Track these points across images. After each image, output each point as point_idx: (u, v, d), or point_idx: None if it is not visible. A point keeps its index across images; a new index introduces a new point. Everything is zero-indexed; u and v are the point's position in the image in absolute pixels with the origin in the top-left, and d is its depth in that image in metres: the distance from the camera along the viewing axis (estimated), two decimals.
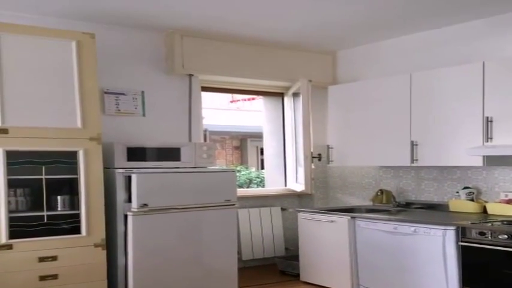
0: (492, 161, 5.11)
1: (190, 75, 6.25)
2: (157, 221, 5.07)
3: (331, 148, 6.56)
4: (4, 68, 4.58)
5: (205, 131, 6.65)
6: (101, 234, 4.92)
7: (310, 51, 6.97)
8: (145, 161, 5.36)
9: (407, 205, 6.14)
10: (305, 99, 6.60)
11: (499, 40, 5.41)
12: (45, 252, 4.69)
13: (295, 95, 7.15)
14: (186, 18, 5.57)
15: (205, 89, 6.64)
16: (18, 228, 4.61)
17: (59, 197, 4.88)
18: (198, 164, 5.60)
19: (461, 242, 4.72)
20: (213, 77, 6.51)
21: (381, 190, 6.35)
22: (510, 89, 4.89)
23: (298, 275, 6.28)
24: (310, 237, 6.10)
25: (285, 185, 7.42)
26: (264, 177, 8.78)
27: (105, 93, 5.74)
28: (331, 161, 6.59)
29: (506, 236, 4.43)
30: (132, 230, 4.96)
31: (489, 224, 4.71)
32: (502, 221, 4.78)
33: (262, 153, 8.81)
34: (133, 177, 4.97)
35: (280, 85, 7.20)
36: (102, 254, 4.94)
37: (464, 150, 5.06)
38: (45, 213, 4.74)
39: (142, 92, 5.99)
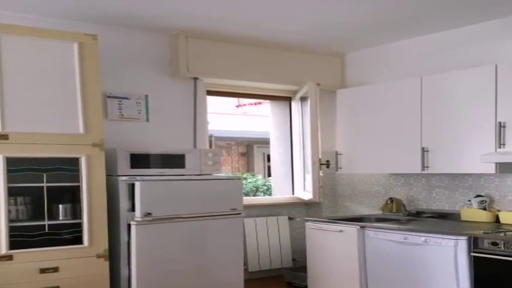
0: (505, 168, 5.11)
1: (195, 79, 6.26)
2: (162, 230, 5.07)
3: (340, 154, 6.56)
4: (4, 70, 4.57)
5: (210, 136, 6.64)
6: (103, 244, 4.91)
7: (319, 53, 6.97)
8: (149, 168, 5.36)
9: (418, 214, 6.14)
10: (313, 104, 6.61)
11: None
12: (47, 263, 4.68)
13: (303, 99, 7.16)
14: (191, 19, 5.58)
15: (210, 93, 6.66)
16: (19, 239, 4.59)
17: (60, 206, 4.89)
18: (203, 171, 5.61)
19: (474, 252, 4.73)
20: (218, 80, 6.52)
21: (390, 198, 6.36)
22: None
23: (306, 287, 6.27)
24: (318, 247, 6.10)
25: (293, 193, 7.42)
26: (270, 185, 8.79)
27: (108, 97, 5.74)
28: (340, 168, 6.59)
29: None
30: (136, 240, 4.96)
31: (502, 234, 4.70)
32: None
33: (269, 159, 8.83)
34: (137, 185, 4.97)
35: (287, 89, 7.21)
36: (104, 265, 4.93)
37: (477, 156, 5.05)
38: (46, 222, 4.73)
39: (146, 96, 6.00)
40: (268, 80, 6.76)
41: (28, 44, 4.72)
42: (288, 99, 7.45)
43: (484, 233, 4.77)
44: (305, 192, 7.05)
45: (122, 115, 5.85)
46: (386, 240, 5.43)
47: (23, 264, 4.59)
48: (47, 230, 4.74)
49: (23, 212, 4.77)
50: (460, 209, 5.79)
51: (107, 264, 4.94)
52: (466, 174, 5.75)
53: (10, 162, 4.57)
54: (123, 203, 5.07)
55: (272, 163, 7.75)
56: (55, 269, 4.70)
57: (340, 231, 5.85)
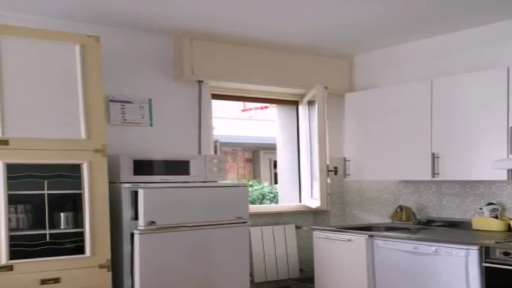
0: None
1: (200, 82, 6.24)
2: (166, 239, 5.08)
3: (348, 161, 6.57)
4: (4, 73, 4.56)
5: (215, 142, 6.64)
6: (106, 254, 4.90)
7: (326, 55, 6.96)
8: (152, 174, 5.35)
9: (428, 222, 6.15)
10: (321, 108, 6.61)
11: None
12: (48, 273, 4.65)
13: (310, 103, 7.17)
14: (196, 20, 5.58)
15: (215, 96, 6.66)
16: (19, 248, 4.57)
17: (62, 214, 4.87)
18: (208, 178, 5.61)
19: (485, 262, 4.74)
20: (223, 83, 6.51)
21: (400, 206, 6.36)
22: None
23: None
24: (326, 257, 6.12)
25: (300, 201, 7.43)
26: (277, 193, 8.80)
27: (111, 101, 5.72)
28: (348, 174, 6.59)
29: None
30: (139, 249, 4.96)
31: None
32: None
33: (275, 166, 8.83)
34: (141, 192, 4.96)
35: (294, 92, 7.21)
36: (107, 276, 4.92)
37: (488, 163, 5.06)
38: (47, 231, 4.71)
39: (150, 100, 5.98)
40: (275, 83, 6.75)
41: (28, 46, 4.70)
42: (295, 103, 7.45)
43: (496, 242, 4.77)
44: (312, 199, 7.05)
45: (125, 120, 5.83)
46: (396, 249, 5.45)
47: (24, 275, 4.55)
48: (48, 240, 4.71)
49: (23, 220, 4.76)
50: (471, 217, 5.79)
51: (109, 274, 4.93)
52: (478, 181, 5.75)
53: (10, 168, 4.54)
54: (126, 211, 5.06)
55: (279, 170, 7.74)
56: (56, 280, 4.68)
57: (349, 240, 5.87)
